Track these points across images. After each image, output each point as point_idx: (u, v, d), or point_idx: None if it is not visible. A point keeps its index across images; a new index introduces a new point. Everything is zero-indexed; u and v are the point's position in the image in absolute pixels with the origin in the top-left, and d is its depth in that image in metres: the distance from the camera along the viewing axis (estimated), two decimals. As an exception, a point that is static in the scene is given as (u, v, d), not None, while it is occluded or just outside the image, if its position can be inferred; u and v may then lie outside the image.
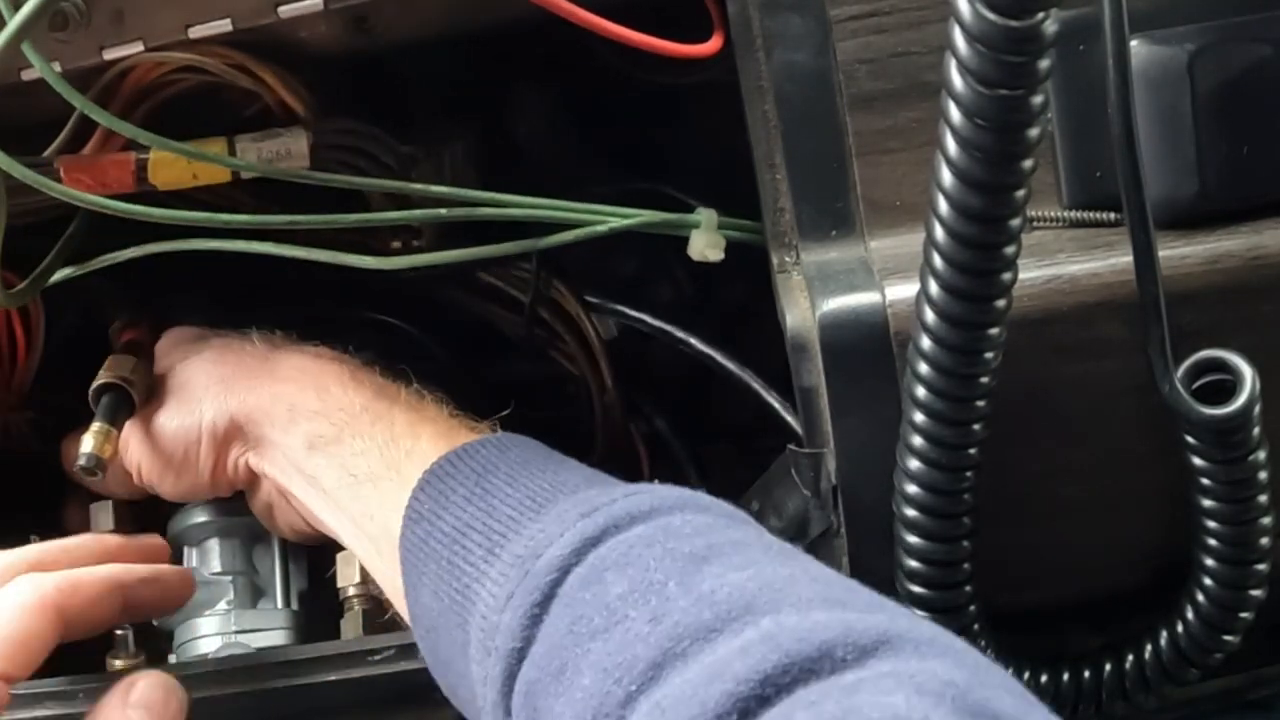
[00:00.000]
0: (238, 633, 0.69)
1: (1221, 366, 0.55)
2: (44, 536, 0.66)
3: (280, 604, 0.70)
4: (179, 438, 0.67)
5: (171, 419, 0.67)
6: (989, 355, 0.52)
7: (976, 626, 0.58)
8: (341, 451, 0.62)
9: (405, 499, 0.58)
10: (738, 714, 0.40)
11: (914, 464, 0.55)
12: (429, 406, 0.64)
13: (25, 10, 0.53)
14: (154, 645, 0.70)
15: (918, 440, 0.54)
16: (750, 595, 0.44)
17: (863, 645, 0.40)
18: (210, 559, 0.71)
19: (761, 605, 0.43)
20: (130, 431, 0.68)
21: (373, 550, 0.62)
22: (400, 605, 0.59)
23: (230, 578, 0.70)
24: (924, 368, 0.53)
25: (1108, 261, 0.55)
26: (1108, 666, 0.62)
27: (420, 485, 0.58)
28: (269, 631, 0.69)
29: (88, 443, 0.65)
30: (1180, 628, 0.59)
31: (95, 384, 0.68)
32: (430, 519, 0.56)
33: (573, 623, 0.47)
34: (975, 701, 0.38)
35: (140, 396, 0.69)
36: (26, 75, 0.59)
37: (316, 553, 0.71)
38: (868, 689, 0.38)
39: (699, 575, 0.46)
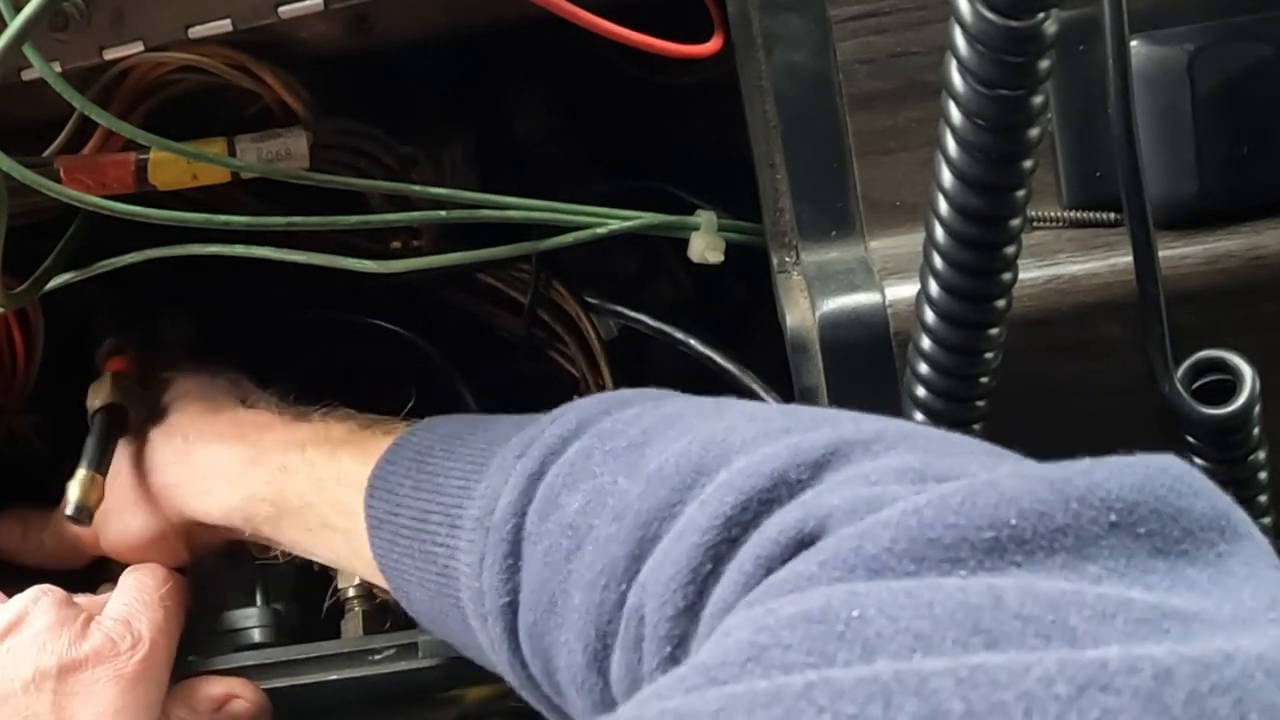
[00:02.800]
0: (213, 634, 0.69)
1: (1221, 366, 0.55)
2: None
3: (259, 602, 0.70)
4: (151, 534, 0.69)
5: (139, 519, 0.69)
6: (989, 355, 0.52)
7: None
8: (286, 518, 0.64)
9: (359, 524, 0.59)
10: (711, 562, 0.40)
11: (914, 464, 0.55)
12: (336, 429, 0.65)
13: (26, 11, 0.53)
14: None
15: (918, 440, 0.54)
16: (696, 458, 0.44)
17: (813, 461, 0.40)
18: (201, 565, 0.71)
19: (710, 464, 0.43)
20: (101, 523, 0.68)
21: (365, 573, 0.63)
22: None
23: (219, 578, 0.70)
24: (924, 368, 0.53)
25: (1107, 261, 0.55)
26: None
27: (368, 494, 0.59)
28: (246, 630, 0.69)
29: (74, 491, 0.65)
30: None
31: (93, 406, 0.69)
32: (388, 520, 0.57)
33: (545, 555, 0.48)
34: (935, 474, 0.37)
35: (135, 415, 0.69)
36: (26, 75, 0.59)
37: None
38: (825, 497, 0.38)
39: (643, 461, 0.46)
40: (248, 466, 0.65)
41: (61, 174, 0.62)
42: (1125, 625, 0.28)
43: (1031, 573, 0.31)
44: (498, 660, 0.52)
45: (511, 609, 0.49)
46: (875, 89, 0.58)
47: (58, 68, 0.58)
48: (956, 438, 0.42)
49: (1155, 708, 0.26)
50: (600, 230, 0.65)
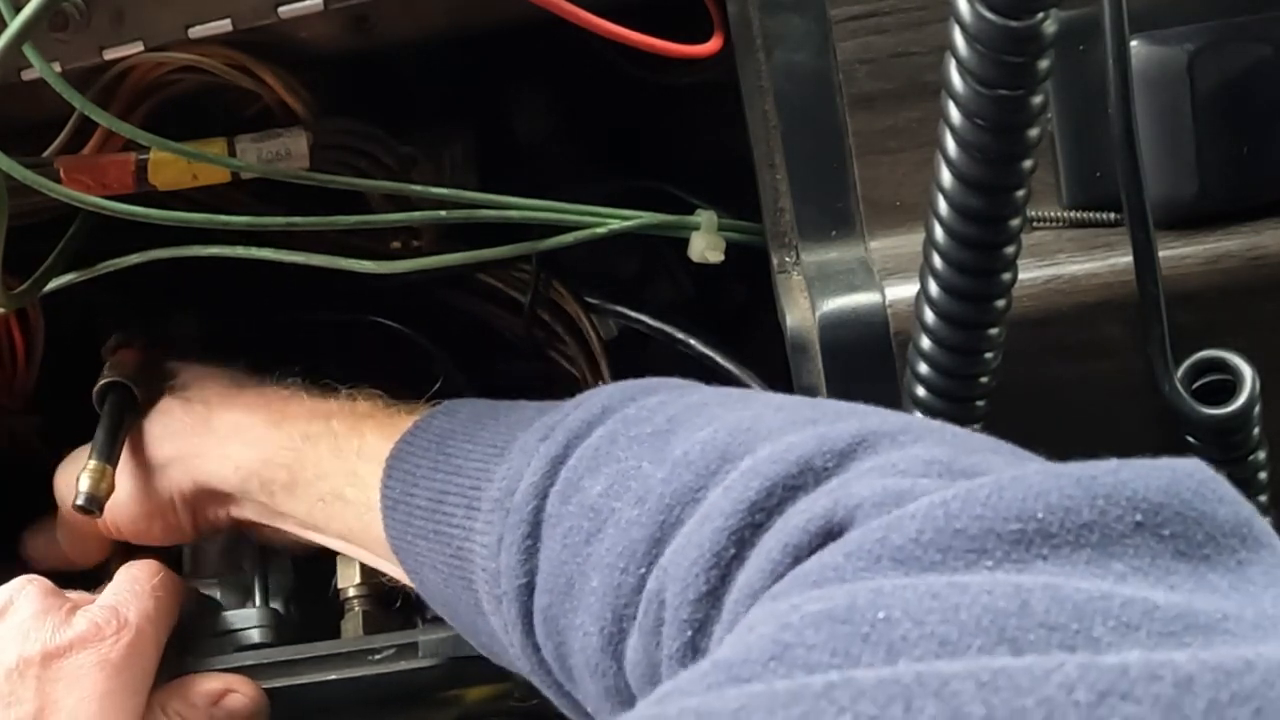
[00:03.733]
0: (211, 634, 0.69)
1: (1221, 366, 0.55)
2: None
3: (259, 602, 0.70)
4: (154, 504, 0.68)
5: (142, 488, 0.68)
6: (989, 355, 0.52)
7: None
8: (301, 486, 0.63)
9: (374, 498, 0.59)
10: (734, 546, 0.39)
11: (914, 464, 0.55)
12: (362, 405, 0.65)
13: (26, 11, 0.53)
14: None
15: (918, 440, 0.54)
16: (722, 446, 0.44)
17: (840, 450, 0.40)
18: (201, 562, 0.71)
19: (735, 451, 0.43)
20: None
21: (370, 556, 0.63)
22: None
23: (217, 579, 0.70)
24: (924, 368, 0.53)
25: (1107, 261, 0.55)
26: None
27: (385, 474, 0.58)
28: (245, 631, 0.69)
29: (85, 482, 0.65)
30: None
31: (99, 384, 0.69)
32: (405, 501, 0.57)
33: (565, 537, 0.48)
34: (962, 469, 0.37)
35: (144, 396, 0.69)
36: (26, 75, 0.59)
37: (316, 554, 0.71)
38: (854, 486, 0.38)
39: (668, 447, 0.46)
40: (270, 430, 0.65)
41: (61, 174, 0.62)
42: (1149, 638, 0.28)
43: (1058, 567, 0.31)
44: (509, 643, 0.52)
45: (528, 590, 0.49)
46: (875, 89, 0.58)
47: (58, 68, 0.58)
48: (980, 437, 0.42)
49: (1175, 717, 0.26)
50: (600, 230, 0.65)
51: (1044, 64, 0.47)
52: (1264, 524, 0.34)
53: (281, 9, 0.58)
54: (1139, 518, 0.32)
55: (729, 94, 0.60)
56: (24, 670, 0.58)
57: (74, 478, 0.65)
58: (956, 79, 0.48)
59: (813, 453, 0.40)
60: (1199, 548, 0.32)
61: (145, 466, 0.68)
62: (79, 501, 0.65)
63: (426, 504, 0.56)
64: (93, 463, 0.66)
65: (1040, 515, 0.32)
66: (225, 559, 0.71)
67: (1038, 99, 0.47)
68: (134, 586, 0.64)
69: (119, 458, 0.67)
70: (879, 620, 0.29)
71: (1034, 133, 0.48)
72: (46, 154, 0.63)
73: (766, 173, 0.60)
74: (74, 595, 0.64)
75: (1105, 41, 0.51)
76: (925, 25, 0.57)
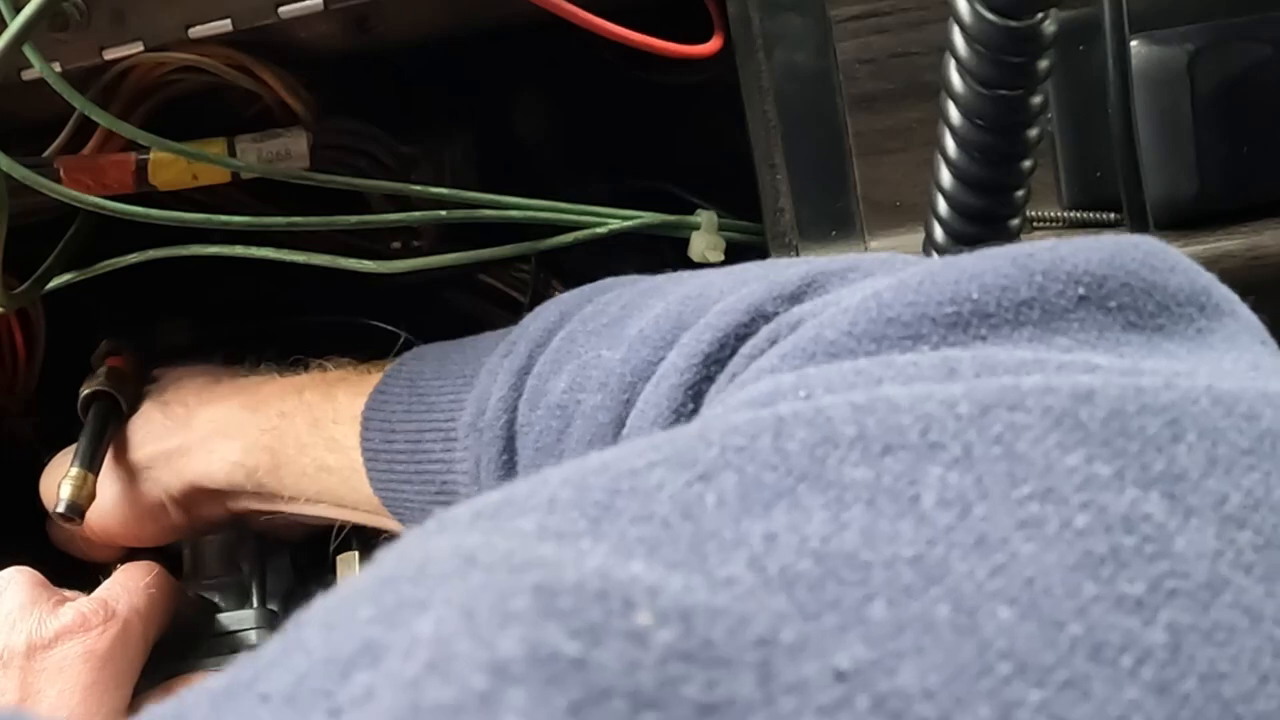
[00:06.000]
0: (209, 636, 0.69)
1: (1221, 367, 0.54)
2: (47, 541, 0.66)
3: (256, 603, 0.70)
4: (144, 508, 0.68)
5: (130, 493, 0.68)
6: (989, 355, 0.52)
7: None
8: (285, 465, 0.63)
9: (356, 458, 0.58)
10: (691, 401, 0.39)
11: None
12: (333, 372, 0.64)
13: (26, 11, 0.53)
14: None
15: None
16: (675, 315, 0.43)
17: (790, 294, 0.39)
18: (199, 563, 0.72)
19: (689, 318, 0.42)
20: (93, 505, 0.67)
21: (367, 518, 0.63)
22: None
23: (216, 580, 0.70)
24: (924, 368, 0.53)
25: (1108, 262, 0.55)
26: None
27: (363, 428, 0.58)
28: (242, 633, 0.69)
29: (65, 489, 0.65)
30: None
31: (84, 392, 0.69)
32: (385, 450, 0.57)
33: (537, 441, 0.47)
34: (912, 299, 0.35)
35: (129, 405, 0.69)
36: (27, 75, 0.59)
37: (318, 551, 0.71)
38: (800, 310, 0.37)
39: (624, 330, 0.45)
40: (248, 415, 0.65)
41: (61, 174, 0.62)
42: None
43: (998, 347, 0.29)
44: None
45: None
46: (875, 89, 0.58)
47: (58, 68, 0.58)
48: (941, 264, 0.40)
49: (1068, 424, 0.24)
50: (600, 230, 0.65)
51: (1044, 64, 0.47)
52: (1225, 292, 0.32)
53: (282, 9, 0.58)
54: (1082, 291, 0.30)
55: (729, 94, 0.60)
56: (8, 661, 0.58)
57: (56, 484, 0.65)
58: (956, 79, 0.48)
59: (762, 299, 0.39)
60: (1151, 318, 0.30)
61: (131, 471, 0.68)
62: (60, 509, 0.65)
63: (406, 447, 0.56)
64: (74, 470, 0.65)
65: (975, 296, 0.30)
66: (223, 560, 0.71)
67: (1038, 99, 0.47)
68: (127, 583, 0.63)
69: (101, 465, 0.67)
70: (799, 398, 0.28)
71: (1034, 133, 0.48)
72: (46, 154, 0.63)
73: (766, 173, 0.60)
74: (69, 594, 0.64)
75: (1105, 41, 0.51)
76: (925, 25, 0.57)
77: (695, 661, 0.19)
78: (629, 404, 0.43)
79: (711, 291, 0.43)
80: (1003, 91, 0.47)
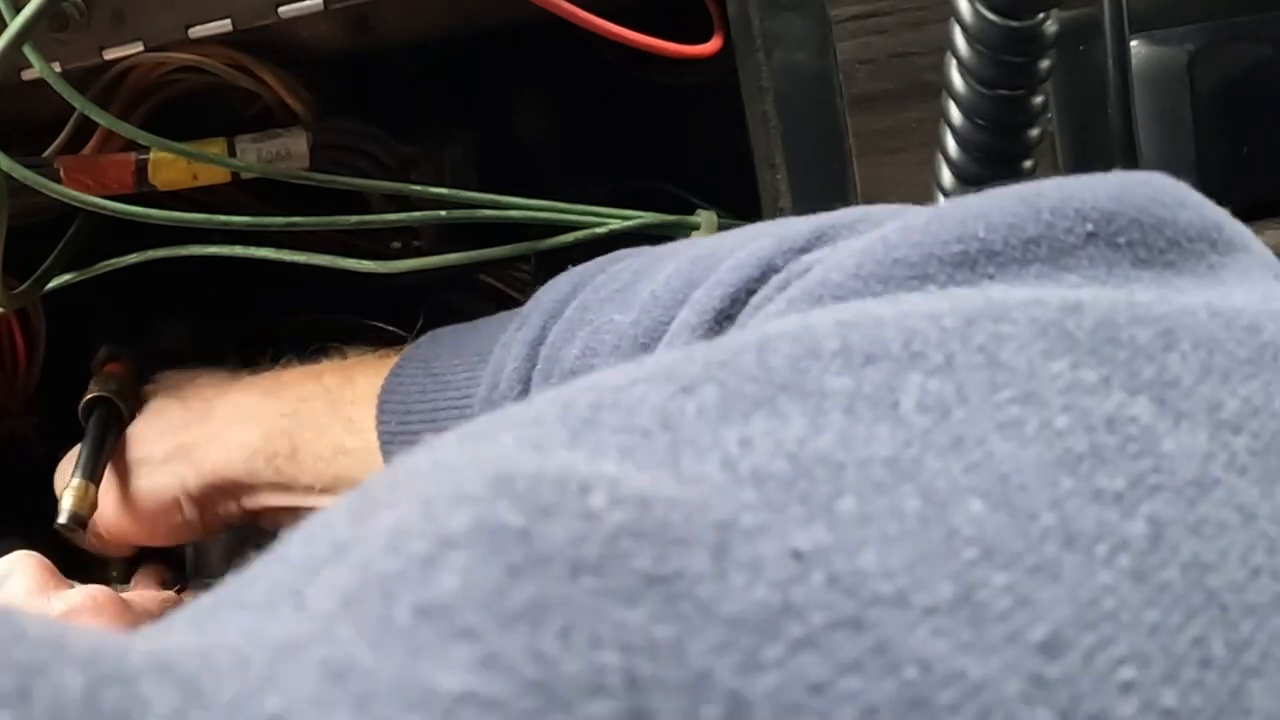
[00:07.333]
0: None
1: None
2: (48, 541, 0.66)
3: None
4: (158, 504, 0.67)
5: (143, 490, 0.67)
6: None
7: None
8: (303, 450, 0.63)
9: (373, 440, 0.58)
10: None
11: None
12: (351, 356, 0.65)
13: (26, 11, 0.53)
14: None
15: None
16: (686, 275, 0.43)
17: (800, 247, 0.38)
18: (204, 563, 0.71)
19: (700, 276, 0.42)
20: (105, 504, 0.67)
21: None
22: None
23: (220, 579, 0.70)
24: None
25: (1108, 261, 0.55)
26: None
27: (379, 411, 0.58)
28: None
29: (67, 500, 0.64)
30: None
31: (85, 399, 0.68)
32: (401, 431, 0.57)
33: None
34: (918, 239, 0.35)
35: (130, 411, 0.69)
36: (26, 75, 0.59)
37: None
38: (809, 260, 0.37)
39: (635, 293, 0.45)
40: (266, 399, 0.64)
41: (61, 174, 0.61)
42: None
43: (1007, 285, 0.29)
44: None
45: None
46: (875, 89, 0.58)
47: (58, 68, 0.58)
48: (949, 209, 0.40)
49: (1054, 333, 0.24)
50: (600, 230, 0.65)
51: (1044, 64, 0.47)
52: (1238, 226, 0.32)
53: (282, 9, 0.58)
54: (1090, 228, 0.29)
55: (729, 94, 0.60)
56: None
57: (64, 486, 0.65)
58: (957, 79, 0.48)
59: (773, 252, 0.39)
60: (1161, 254, 0.30)
61: (145, 466, 0.67)
62: (62, 520, 0.64)
63: (421, 427, 0.56)
64: (76, 480, 0.65)
65: (982, 234, 0.30)
66: (229, 561, 0.71)
67: (1038, 99, 0.48)
68: (144, 593, 0.64)
69: (103, 474, 0.67)
70: (807, 338, 0.27)
71: (1034, 133, 0.48)
72: (46, 154, 0.63)
73: (766, 173, 0.60)
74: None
75: (1105, 41, 0.51)
76: (925, 25, 0.57)
77: (647, 539, 0.19)
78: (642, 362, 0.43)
79: (722, 250, 0.42)
80: (1004, 91, 0.47)
